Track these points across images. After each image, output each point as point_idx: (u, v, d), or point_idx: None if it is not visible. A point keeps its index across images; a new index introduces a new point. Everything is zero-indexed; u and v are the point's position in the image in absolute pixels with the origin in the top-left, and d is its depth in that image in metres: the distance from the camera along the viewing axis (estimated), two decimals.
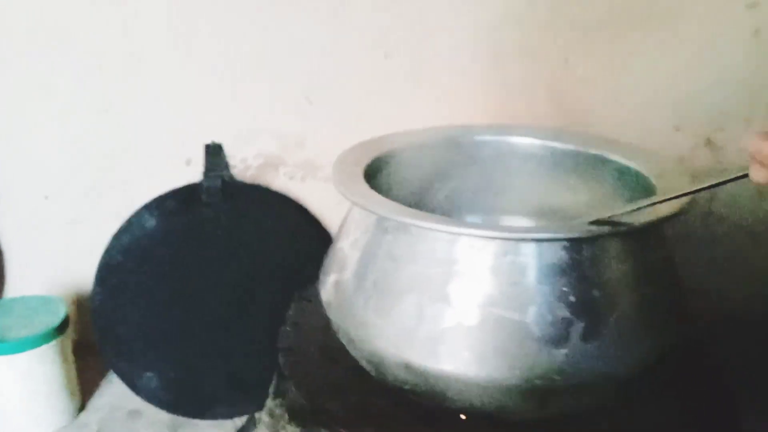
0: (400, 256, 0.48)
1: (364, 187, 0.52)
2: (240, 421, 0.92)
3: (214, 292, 0.93)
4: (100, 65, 0.92)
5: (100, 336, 0.95)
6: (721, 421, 0.50)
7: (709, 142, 0.92)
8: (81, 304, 1.00)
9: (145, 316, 0.94)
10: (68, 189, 0.98)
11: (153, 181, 0.95)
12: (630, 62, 0.90)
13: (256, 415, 0.89)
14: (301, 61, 0.92)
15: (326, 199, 0.97)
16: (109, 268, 0.94)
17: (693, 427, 0.50)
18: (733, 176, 0.45)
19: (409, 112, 0.91)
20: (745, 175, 0.43)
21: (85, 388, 0.96)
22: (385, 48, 0.90)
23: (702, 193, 0.99)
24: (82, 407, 0.95)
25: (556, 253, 0.45)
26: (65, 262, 1.01)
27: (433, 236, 0.47)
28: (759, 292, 0.98)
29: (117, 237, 0.94)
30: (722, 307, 0.98)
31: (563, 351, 0.45)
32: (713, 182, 0.45)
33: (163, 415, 0.94)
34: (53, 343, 0.86)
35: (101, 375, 1.00)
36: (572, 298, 0.45)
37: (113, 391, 0.98)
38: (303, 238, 0.95)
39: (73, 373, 0.92)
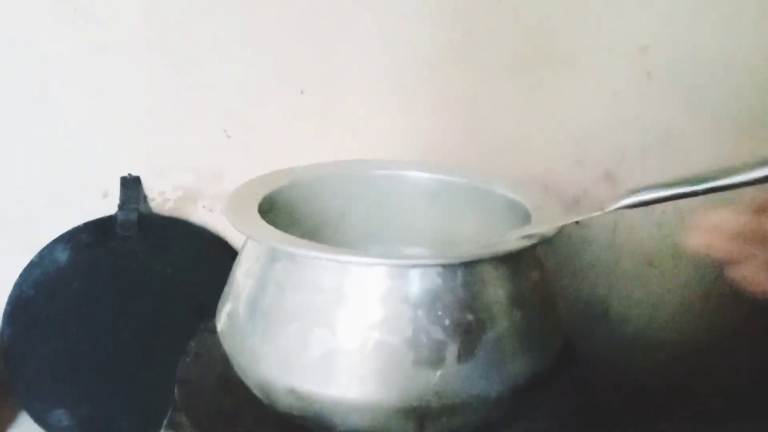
0: (287, 284, 0.50)
1: (255, 217, 0.54)
2: None
3: (129, 326, 0.93)
4: (9, 94, 0.91)
5: (9, 372, 0.93)
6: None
7: (608, 175, 0.98)
8: None
9: (57, 351, 0.92)
10: None
11: (68, 214, 0.95)
12: (533, 101, 0.95)
13: None
14: (219, 96, 0.94)
15: None
16: (19, 303, 0.93)
17: None
18: (587, 215, 0.49)
19: (324, 145, 0.94)
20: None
21: None
22: (300, 84, 0.93)
23: (607, 224, 1.05)
24: None
25: (432, 279, 0.47)
26: None
27: (317, 264, 0.49)
28: (656, 317, 1.04)
29: (28, 271, 0.93)
30: (623, 331, 1.04)
31: (439, 372, 0.47)
32: (569, 219, 0.49)
33: None
34: None
35: (12, 416, 0.98)
36: (447, 322, 0.47)
37: (25, 429, 0.96)
38: (221, 271, 0.94)
39: None
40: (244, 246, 0.57)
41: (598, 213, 0.48)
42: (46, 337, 0.92)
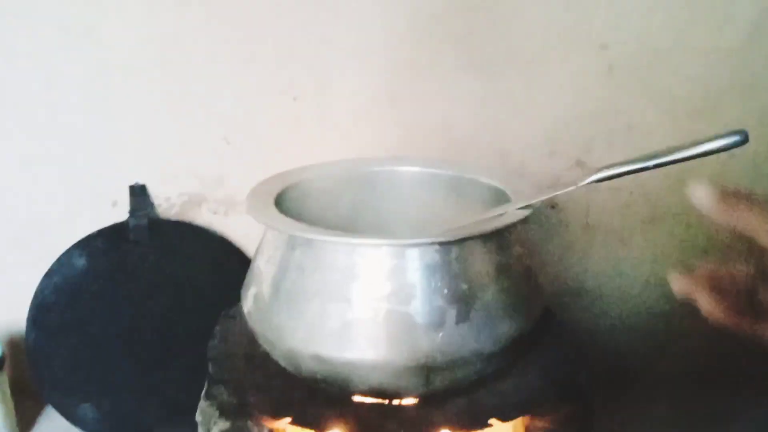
0: (306, 267, 0.58)
1: (274, 211, 0.62)
2: None
3: (145, 323, 1.00)
4: (20, 113, 0.98)
5: (35, 372, 0.99)
6: (571, 382, 0.63)
7: (579, 163, 1.07)
8: (14, 345, 1.04)
9: (80, 350, 0.99)
10: None
11: (81, 224, 1.01)
12: (505, 98, 1.03)
13: None
14: (218, 106, 1.01)
15: (247, 231, 1.05)
16: (42, 308, 0.99)
17: (550, 387, 0.62)
18: (561, 190, 0.58)
19: (318, 149, 1.01)
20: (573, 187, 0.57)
21: (23, 426, 1.00)
22: (293, 92, 1.01)
23: (580, 207, 1.13)
24: None
25: (431, 255, 0.56)
26: None
27: (332, 248, 0.57)
28: (628, 291, 1.13)
29: (48, 277, 0.99)
30: (598, 305, 1.13)
31: (440, 333, 0.55)
32: (545, 195, 0.58)
33: None
34: None
35: (38, 413, 1.04)
36: (445, 291, 0.56)
37: (52, 426, 1.01)
38: (227, 268, 1.03)
39: (12, 410, 0.96)
40: (263, 238, 0.65)
41: (572, 188, 0.57)
42: (68, 338, 0.99)
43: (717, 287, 0.45)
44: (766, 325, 0.42)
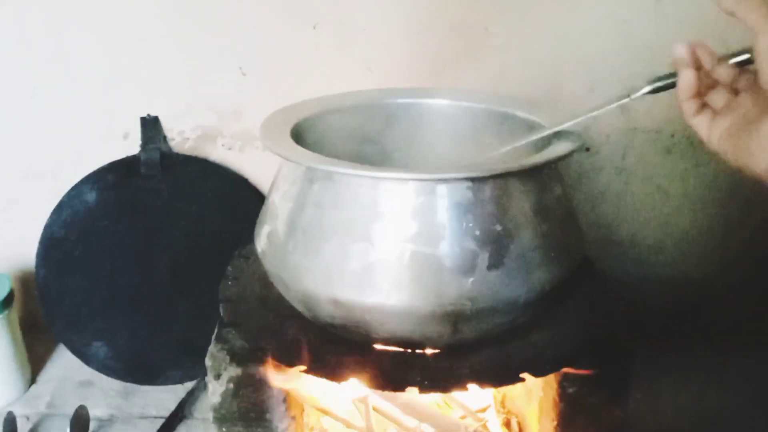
0: (325, 202, 0.53)
1: (291, 142, 0.56)
2: (190, 385, 0.96)
3: (158, 260, 0.96)
4: (28, 42, 0.93)
5: (46, 309, 0.97)
6: (607, 336, 0.58)
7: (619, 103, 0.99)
8: (24, 281, 1.02)
9: (91, 287, 0.96)
10: (3, 171, 0.99)
11: (91, 157, 0.97)
12: (544, 29, 0.96)
13: (206, 378, 0.92)
14: (234, 35, 0.95)
15: (264, 168, 1.01)
16: (51, 243, 0.96)
17: (587, 340, 0.57)
18: (604, 107, 0.52)
19: (339, 81, 0.95)
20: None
21: (34, 363, 0.98)
22: (313, 20, 0.94)
23: (617, 151, 1.06)
24: (32, 380, 0.97)
25: (462, 193, 0.50)
26: (5, 240, 1.02)
27: (354, 182, 0.52)
28: (664, 240, 1.07)
29: (57, 212, 0.96)
30: (633, 253, 1.07)
31: (471, 279, 0.50)
32: (587, 114, 0.52)
33: (114, 383, 0.97)
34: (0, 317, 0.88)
35: (50, 350, 1.02)
36: (477, 233, 0.50)
37: (63, 363, 1.00)
38: (242, 206, 0.98)
39: (22, 347, 0.94)
40: (278, 171, 0.60)
41: (626, 100, 0.51)
42: (79, 274, 0.96)
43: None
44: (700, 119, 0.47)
